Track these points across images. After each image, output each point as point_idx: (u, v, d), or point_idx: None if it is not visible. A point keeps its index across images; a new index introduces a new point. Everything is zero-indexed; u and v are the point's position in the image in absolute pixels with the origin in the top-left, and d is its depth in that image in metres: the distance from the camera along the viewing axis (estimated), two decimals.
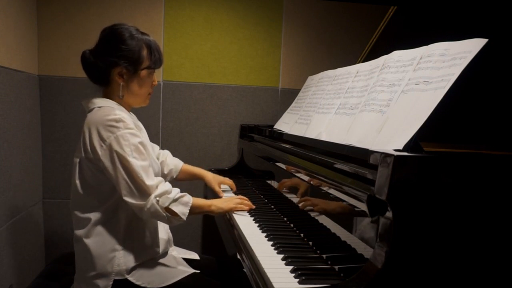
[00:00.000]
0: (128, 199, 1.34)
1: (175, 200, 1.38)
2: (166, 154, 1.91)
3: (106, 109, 1.41)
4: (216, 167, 2.56)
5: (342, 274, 1.09)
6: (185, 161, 2.57)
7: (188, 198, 1.43)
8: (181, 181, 1.95)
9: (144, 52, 1.47)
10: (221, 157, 2.65)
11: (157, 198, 1.35)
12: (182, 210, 1.40)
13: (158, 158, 1.82)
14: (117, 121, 1.35)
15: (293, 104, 2.20)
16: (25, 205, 2.17)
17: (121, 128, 1.35)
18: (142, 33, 1.50)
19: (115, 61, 1.43)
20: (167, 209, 1.37)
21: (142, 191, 1.34)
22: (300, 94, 2.19)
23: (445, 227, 0.93)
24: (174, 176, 1.91)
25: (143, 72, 1.48)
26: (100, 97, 1.50)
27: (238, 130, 2.61)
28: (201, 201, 1.53)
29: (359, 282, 0.91)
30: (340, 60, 2.59)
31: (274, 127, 2.21)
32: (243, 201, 1.66)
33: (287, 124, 2.04)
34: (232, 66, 2.62)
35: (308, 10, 2.67)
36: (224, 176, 2.43)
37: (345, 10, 2.70)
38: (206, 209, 1.54)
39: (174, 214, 1.38)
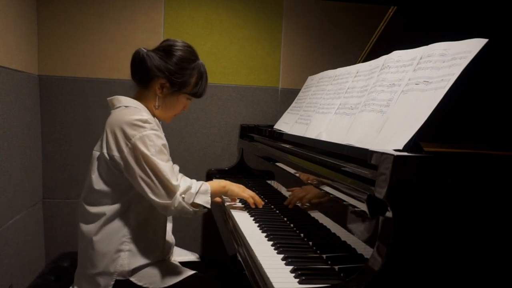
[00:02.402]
0: (153, 198, 1.34)
1: (197, 193, 1.41)
2: None
3: (132, 109, 1.42)
4: (216, 167, 2.56)
5: (342, 274, 1.09)
6: (185, 161, 2.59)
7: (206, 186, 1.45)
8: None
9: (193, 79, 1.51)
10: (221, 157, 2.65)
11: (183, 196, 1.37)
12: (205, 199, 1.43)
13: None
14: (143, 121, 1.36)
15: (293, 104, 2.20)
16: (25, 205, 2.18)
17: (147, 129, 1.36)
18: (198, 58, 1.54)
19: (163, 72, 1.45)
20: (192, 204, 1.40)
21: (169, 190, 1.35)
22: (300, 94, 2.19)
23: (445, 227, 0.93)
24: None
25: (182, 96, 1.52)
26: (131, 96, 1.52)
27: (238, 130, 2.61)
28: (216, 185, 1.59)
29: (359, 282, 0.91)
30: (340, 60, 2.59)
31: (274, 127, 2.21)
32: (254, 197, 1.68)
33: (287, 124, 2.04)
34: (232, 66, 2.62)
35: (308, 10, 2.67)
36: (224, 176, 2.44)
37: (345, 10, 2.70)
38: (222, 192, 1.63)
39: (198, 206, 1.42)
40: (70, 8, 2.41)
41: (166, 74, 1.46)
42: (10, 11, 1.97)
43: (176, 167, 1.93)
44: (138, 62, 1.47)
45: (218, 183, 1.62)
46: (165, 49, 1.48)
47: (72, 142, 2.46)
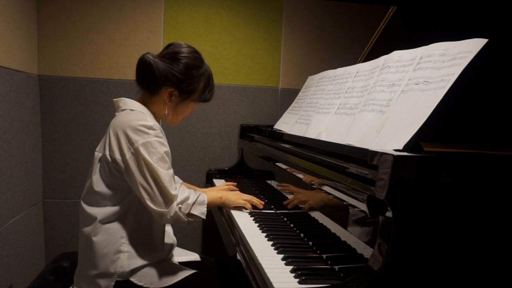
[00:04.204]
0: (151, 204, 1.34)
1: (193, 204, 1.42)
2: None
3: (138, 113, 1.42)
4: (216, 167, 2.56)
5: (342, 274, 1.09)
6: (185, 161, 2.59)
7: (203, 197, 1.46)
8: None
9: (201, 85, 1.51)
10: (221, 157, 2.65)
11: (180, 206, 1.38)
12: (201, 210, 1.43)
13: None
14: (148, 127, 1.35)
15: (293, 104, 2.20)
16: (25, 205, 2.18)
17: (151, 135, 1.35)
18: (204, 61, 1.53)
19: (171, 81, 1.44)
20: (189, 214, 1.41)
21: (166, 199, 1.35)
22: (300, 94, 2.19)
23: (445, 227, 0.93)
24: None
25: (191, 102, 1.52)
26: (136, 98, 1.50)
27: (238, 130, 2.61)
28: (213, 196, 1.59)
29: (359, 282, 0.91)
30: (340, 60, 2.59)
31: (274, 127, 2.21)
32: (252, 200, 1.69)
33: (287, 124, 2.04)
34: (232, 66, 2.62)
35: (308, 10, 2.67)
36: (224, 176, 2.44)
37: (345, 10, 2.70)
38: (219, 202, 1.64)
39: (194, 216, 1.42)
40: (70, 8, 2.41)
41: (174, 83, 1.45)
42: (10, 11, 1.97)
43: (178, 180, 1.94)
44: (145, 70, 1.45)
45: (215, 194, 1.63)
46: (172, 56, 1.46)
47: (72, 142, 2.46)
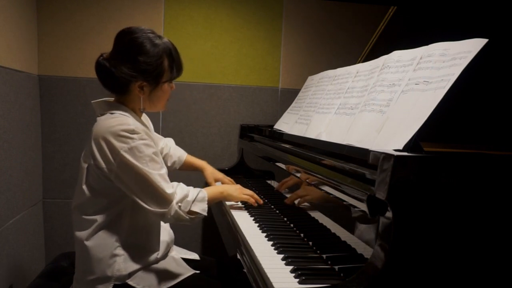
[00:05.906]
0: (148, 207, 1.33)
1: (194, 201, 1.40)
2: (170, 145, 1.91)
3: (119, 117, 1.36)
4: (216, 167, 2.56)
5: (342, 274, 1.09)
6: None
7: (203, 193, 1.44)
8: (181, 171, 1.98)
9: (165, 63, 1.41)
10: (221, 157, 2.65)
11: (179, 204, 1.36)
12: (202, 207, 1.41)
13: (162, 152, 1.85)
14: (131, 132, 1.31)
15: (293, 104, 2.20)
16: (25, 205, 2.18)
17: (135, 139, 1.31)
18: (160, 37, 1.42)
19: (135, 74, 1.37)
20: (189, 211, 1.39)
21: (164, 199, 1.33)
22: (300, 94, 2.19)
23: (445, 227, 0.93)
24: (177, 168, 1.94)
25: (164, 85, 1.44)
26: (112, 99, 1.46)
27: (238, 130, 2.61)
28: (214, 191, 1.56)
29: (359, 282, 0.91)
30: (340, 60, 2.59)
31: (274, 127, 2.21)
32: (253, 196, 1.69)
33: (287, 124, 2.04)
34: (232, 66, 2.62)
35: (308, 10, 2.67)
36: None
37: (345, 10, 2.70)
38: (220, 197, 1.61)
39: (195, 213, 1.40)
40: (70, 8, 2.41)
41: (140, 76, 1.37)
42: (10, 11, 1.97)
43: (170, 141, 1.93)
44: (106, 75, 1.38)
45: (216, 189, 1.60)
46: (126, 50, 1.37)
47: (72, 142, 2.46)
